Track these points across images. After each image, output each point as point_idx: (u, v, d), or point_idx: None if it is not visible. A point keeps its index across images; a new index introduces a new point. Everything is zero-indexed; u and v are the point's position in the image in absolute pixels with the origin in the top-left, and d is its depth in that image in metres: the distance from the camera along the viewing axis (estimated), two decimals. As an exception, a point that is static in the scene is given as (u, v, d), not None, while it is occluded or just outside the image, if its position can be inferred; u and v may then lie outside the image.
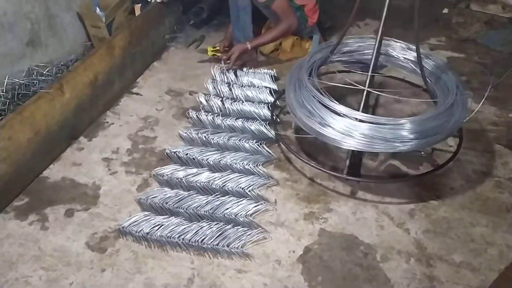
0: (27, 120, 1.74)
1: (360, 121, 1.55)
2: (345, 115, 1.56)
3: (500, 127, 2.09)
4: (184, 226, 1.59)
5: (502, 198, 1.74)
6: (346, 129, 1.55)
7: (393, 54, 1.89)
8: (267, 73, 2.35)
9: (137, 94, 2.34)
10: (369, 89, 1.64)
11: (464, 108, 1.64)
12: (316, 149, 1.94)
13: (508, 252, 1.54)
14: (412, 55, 1.85)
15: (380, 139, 1.52)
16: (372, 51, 1.65)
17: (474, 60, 2.61)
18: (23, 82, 2.08)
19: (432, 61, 1.82)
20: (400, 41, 1.88)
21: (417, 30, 1.52)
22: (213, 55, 2.51)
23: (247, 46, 2.36)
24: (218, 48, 2.51)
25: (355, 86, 1.65)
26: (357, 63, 1.98)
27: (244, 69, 2.38)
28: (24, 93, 2.05)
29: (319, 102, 1.62)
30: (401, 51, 1.89)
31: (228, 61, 2.37)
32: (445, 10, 3.15)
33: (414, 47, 1.70)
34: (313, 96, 1.64)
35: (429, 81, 1.76)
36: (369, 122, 1.55)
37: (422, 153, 1.85)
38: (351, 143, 1.54)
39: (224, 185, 1.75)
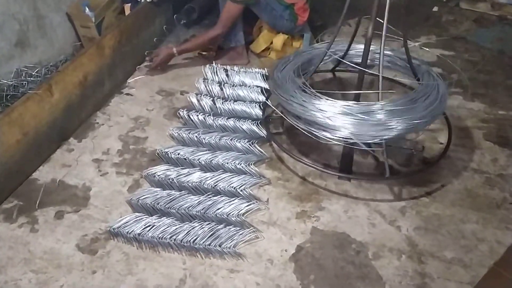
0: (15, 121, 1.72)
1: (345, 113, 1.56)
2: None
3: (490, 124, 2.11)
4: (175, 227, 1.58)
5: (492, 195, 1.76)
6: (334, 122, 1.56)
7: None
8: (258, 72, 2.34)
9: (127, 94, 2.33)
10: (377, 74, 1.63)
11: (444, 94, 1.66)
12: (308, 148, 1.95)
13: (499, 248, 1.55)
14: (399, 54, 1.87)
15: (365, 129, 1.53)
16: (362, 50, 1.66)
17: (464, 58, 2.63)
18: (11, 83, 2.06)
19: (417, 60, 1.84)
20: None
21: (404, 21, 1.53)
22: (199, 53, 2.51)
23: (173, 51, 2.38)
24: None
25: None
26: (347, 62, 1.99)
27: (235, 68, 2.38)
28: (13, 95, 2.03)
29: (309, 97, 1.63)
30: (390, 49, 1.90)
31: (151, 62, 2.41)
32: (435, 9, 3.17)
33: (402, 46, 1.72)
34: (304, 92, 1.64)
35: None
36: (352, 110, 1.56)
37: (413, 150, 1.86)
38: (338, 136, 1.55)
39: (216, 185, 1.74)
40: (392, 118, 1.53)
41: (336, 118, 1.55)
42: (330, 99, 1.58)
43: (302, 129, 1.63)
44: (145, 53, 2.54)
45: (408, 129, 1.56)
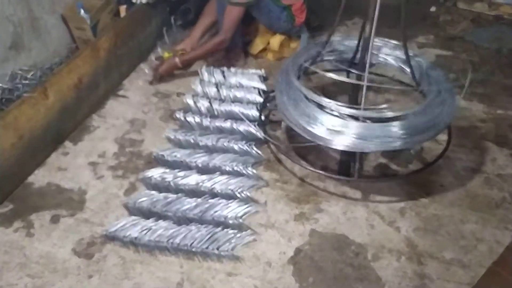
0: (10, 125, 1.70)
1: (351, 117, 1.55)
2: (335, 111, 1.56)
3: (488, 123, 2.10)
4: (172, 230, 1.57)
5: (491, 195, 1.75)
6: (337, 127, 1.55)
7: (381, 52, 1.89)
8: (255, 73, 2.33)
9: (123, 96, 2.31)
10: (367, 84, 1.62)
11: (453, 104, 1.64)
12: (306, 149, 1.93)
13: (498, 248, 1.54)
14: (399, 54, 1.85)
15: (370, 137, 1.52)
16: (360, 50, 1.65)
17: (462, 58, 2.63)
18: (6, 86, 2.04)
19: (419, 60, 1.83)
20: (387, 40, 1.88)
21: (404, 26, 1.53)
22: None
23: (176, 62, 2.32)
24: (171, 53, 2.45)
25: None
26: (345, 62, 1.98)
27: (232, 70, 2.37)
28: (8, 98, 2.00)
29: (309, 101, 1.61)
30: (388, 49, 1.89)
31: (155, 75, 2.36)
32: (433, 9, 3.17)
33: (401, 46, 1.71)
34: (304, 96, 1.63)
35: (417, 78, 1.77)
36: (360, 119, 1.54)
37: (412, 151, 1.85)
38: (342, 143, 1.53)
39: (213, 187, 1.72)
40: (404, 135, 1.53)
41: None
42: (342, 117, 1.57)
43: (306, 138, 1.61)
44: (154, 58, 2.51)
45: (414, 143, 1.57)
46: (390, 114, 1.56)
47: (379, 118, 1.57)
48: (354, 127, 1.53)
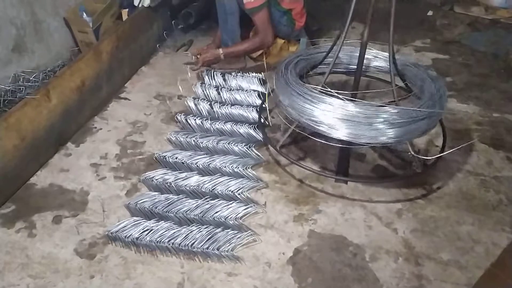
0: (13, 126, 1.72)
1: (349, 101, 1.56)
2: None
3: (485, 126, 2.13)
4: (173, 231, 1.59)
5: (488, 196, 1.77)
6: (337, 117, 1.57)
7: (376, 57, 1.92)
8: (255, 77, 2.36)
9: (125, 99, 2.34)
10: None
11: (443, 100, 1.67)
12: (305, 151, 1.96)
13: (494, 249, 1.56)
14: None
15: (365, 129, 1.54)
16: (357, 54, 1.67)
17: (458, 61, 2.66)
18: (9, 88, 2.06)
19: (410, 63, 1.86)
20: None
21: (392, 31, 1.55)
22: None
23: (219, 54, 2.36)
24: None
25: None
26: (342, 65, 2.01)
27: (233, 73, 2.39)
28: (10, 100, 2.03)
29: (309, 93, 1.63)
30: (384, 55, 1.92)
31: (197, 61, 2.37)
32: (430, 13, 3.21)
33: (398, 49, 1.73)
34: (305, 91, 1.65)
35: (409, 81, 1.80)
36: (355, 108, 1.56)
37: (409, 153, 1.87)
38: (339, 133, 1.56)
39: (213, 189, 1.75)
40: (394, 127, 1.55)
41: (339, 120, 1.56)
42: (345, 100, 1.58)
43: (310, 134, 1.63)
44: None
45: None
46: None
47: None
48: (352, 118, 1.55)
